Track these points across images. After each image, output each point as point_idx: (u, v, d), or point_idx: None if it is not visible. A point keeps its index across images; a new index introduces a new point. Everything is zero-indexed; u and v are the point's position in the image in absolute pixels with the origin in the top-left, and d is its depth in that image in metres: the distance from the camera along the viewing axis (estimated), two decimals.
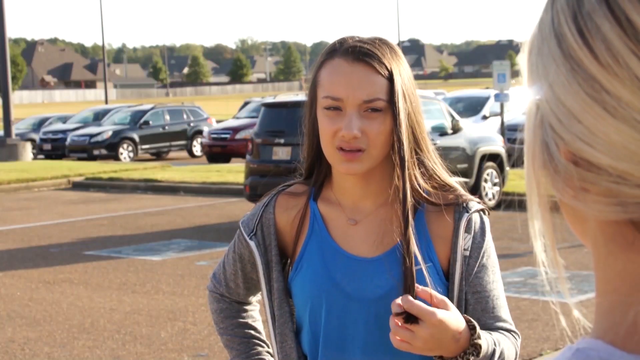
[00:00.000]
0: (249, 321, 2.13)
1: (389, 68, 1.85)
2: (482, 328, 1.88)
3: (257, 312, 2.16)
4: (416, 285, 1.73)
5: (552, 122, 0.67)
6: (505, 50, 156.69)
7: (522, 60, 0.73)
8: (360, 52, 1.84)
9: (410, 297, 1.68)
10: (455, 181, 1.96)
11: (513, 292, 7.72)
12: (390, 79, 1.84)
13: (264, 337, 2.13)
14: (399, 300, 1.68)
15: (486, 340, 1.78)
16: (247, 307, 2.14)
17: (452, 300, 1.87)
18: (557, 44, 0.66)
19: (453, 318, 1.70)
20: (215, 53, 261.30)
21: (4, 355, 6.54)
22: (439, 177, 1.92)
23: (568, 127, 0.65)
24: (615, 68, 0.62)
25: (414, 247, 1.85)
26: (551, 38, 0.67)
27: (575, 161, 0.66)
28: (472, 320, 1.75)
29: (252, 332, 2.12)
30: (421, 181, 1.89)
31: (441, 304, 1.70)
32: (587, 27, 0.64)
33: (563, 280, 0.74)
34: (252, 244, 1.98)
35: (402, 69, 1.88)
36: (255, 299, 2.15)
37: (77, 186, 18.34)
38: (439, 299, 1.71)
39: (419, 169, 1.90)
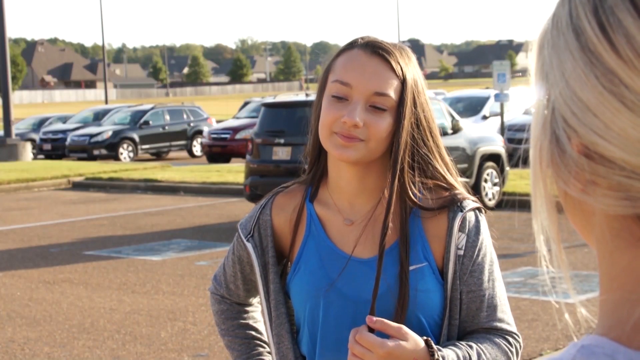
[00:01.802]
0: (250, 322, 2.13)
1: (403, 70, 1.86)
2: (476, 328, 1.87)
3: (258, 313, 2.17)
4: (368, 316, 1.76)
5: (566, 115, 0.67)
6: (505, 50, 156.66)
7: (532, 55, 0.72)
8: (380, 48, 1.86)
9: (365, 329, 1.73)
10: (460, 181, 1.95)
11: (513, 292, 7.71)
12: (403, 81, 1.86)
13: (265, 337, 2.13)
14: (354, 331, 1.74)
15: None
16: (248, 309, 2.15)
17: (445, 299, 1.87)
18: (575, 37, 0.66)
19: (408, 346, 1.71)
20: (215, 53, 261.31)
21: (4, 355, 6.54)
22: (443, 178, 1.92)
23: (582, 120, 0.65)
24: (635, 62, 0.62)
25: (409, 247, 1.86)
26: (569, 31, 0.67)
27: (587, 154, 0.66)
28: (433, 345, 1.75)
29: (253, 333, 2.12)
30: (414, 188, 1.89)
31: (397, 334, 1.72)
32: (609, 21, 0.64)
33: (568, 279, 0.74)
34: (249, 245, 1.99)
35: (415, 75, 1.89)
36: (255, 300, 2.16)
37: (77, 186, 18.34)
38: (394, 328, 1.73)
39: (422, 170, 1.90)
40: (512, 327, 1.91)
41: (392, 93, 1.84)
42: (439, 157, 1.91)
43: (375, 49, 1.86)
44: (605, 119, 0.64)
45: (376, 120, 1.83)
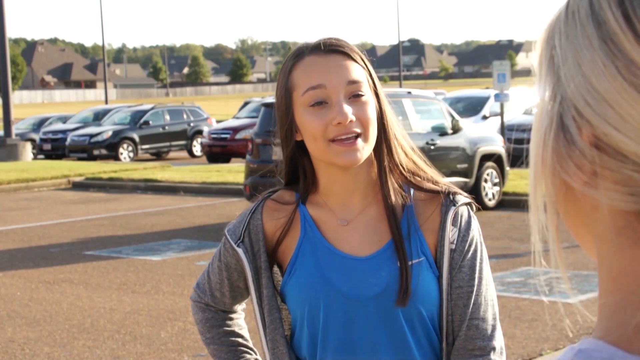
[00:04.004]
0: (236, 329, 2.10)
1: (361, 57, 1.88)
2: (461, 324, 1.86)
3: (242, 320, 2.14)
4: None
5: (579, 105, 0.66)
6: (505, 50, 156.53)
7: (539, 44, 0.71)
8: (331, 44, 1.86)
9: None
10: (442, 180, 1.95)
11: (513, 292, 7.71)
12: (366, 67, 1.88)
13: (251, 344, 2.11)
14: None
15: None
16: (233, 316, 2.11)
17: (441, 293, 1.86)
18: (596, 27, 0.65)
19: None
20: (215, 53, 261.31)
21: (4, 355, 6.54)
22: (422, 168, 1.93)
23: (597, 111, 0.64)
24: None
25: (403, 241, 1.86)
26: (588, 21, 0.66)
27: (598, 146, 0.65)
28: None
29: (240, 340, 2.09)
30: (407, 164, 1.90)
31: None
32: (635, 12, 0.63)
33: (567, 279, 0.73)
34: (240, 251, 1.95)
35: (369, 61, 1.91)
36: (240, 307, 2.13)
37: (77, 186, 18.34)
38: None
39: (403, 154, 1.91)
40: (496, 329, 1.88)
41: (363, 79, 1.85)
42: (407, 144, 1.93)
43: (326, 47, 1.85)
44: (623, 111, 0.63)
45: (361, 108, 1.83)
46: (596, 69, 0.64)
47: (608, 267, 0.68)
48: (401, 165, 1.89)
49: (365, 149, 1.82)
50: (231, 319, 2.11)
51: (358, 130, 1.81)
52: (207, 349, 2.10)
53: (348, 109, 1.80)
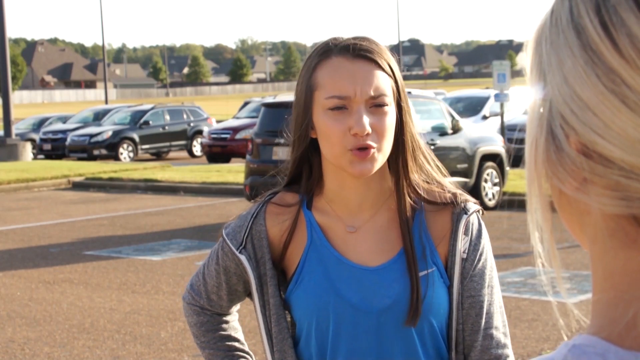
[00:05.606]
0: (232, 333, 2.04)
1: (389, 64, 1.83)
2: (473, 334, 1.84)
3: (237, 322, 2.09)
4: None
5: (564, 113, 0.66)
6: (505, 50, 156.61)
7: (528, 51, 0.72)
8: (360, 49, 1.80)
9: None
10: (448, 181, 1.92)
11: (513, 292, 7.71)
12: (392, 75, 1.83)
13: (247, 348, 2.05)
14: None
15: None
16: (228, 319, 2.05)
17: (451, 303, 1.83)
18: (576, 35, 0.65)
19: None
20: (215, 53, 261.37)
21: (4, 355, 6.54)
22: (433, 177, 1.89)
23: (582, 119, 0.65)
24: (638, 62, 0.62)
25: (417, 253, 1.82)
26: (569, 29, 0.66)
27: (585, 153, 0.65)
28: None
29: (236, 344, 2.04)
30: (419, 180, 1.86)
31: None
32: (612, 20, 0.63)
33: (560, 278, 0.74)
34: (242, 257, 1.89)
35: (397, 67, 1.86)
36: (235, 309, 2.07)
37: (77, 186, 18.34)
38: None
39: (416, 168, 1.87)
40: (506, 336, 1.87)
41: (387, 91, 1.81)
42: (421, 150, 1.89)
43: (356, 52, 1.80)
44: (606, 118, 0.63)
45: (380, 120, 1.78)
46: (578, 77, 0.65)
47: (602, 267, 0.69)
48: (415, 177, 1.86)
49: (378, 160, 1.79)
50: (227, 322, 2.05)
51: (373, 143, 1.76)
52: (202, 353, 2.04)
53: (366, 120, 1.76)
